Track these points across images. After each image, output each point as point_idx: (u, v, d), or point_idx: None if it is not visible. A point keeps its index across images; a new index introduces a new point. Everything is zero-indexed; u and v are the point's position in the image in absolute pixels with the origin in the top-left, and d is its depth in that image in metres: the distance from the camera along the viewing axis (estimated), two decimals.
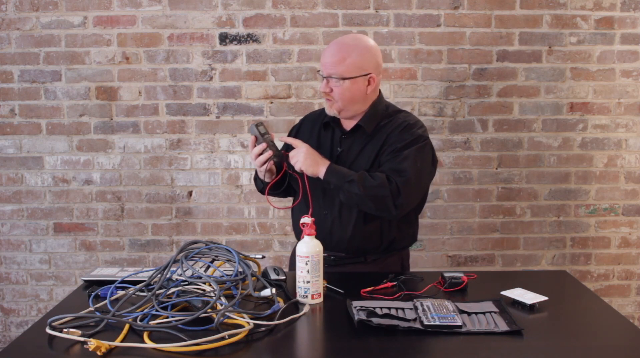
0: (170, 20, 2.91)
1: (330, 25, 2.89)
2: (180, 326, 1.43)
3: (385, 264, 2.05)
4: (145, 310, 1.51)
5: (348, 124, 2.06)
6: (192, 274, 1.63)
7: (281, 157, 1.96)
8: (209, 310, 1.46)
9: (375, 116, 2.03)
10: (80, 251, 3.05)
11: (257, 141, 1.95)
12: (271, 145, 1.94)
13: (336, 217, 2.02)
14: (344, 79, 1.94)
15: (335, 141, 2.07)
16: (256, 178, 2.13)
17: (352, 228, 2.01)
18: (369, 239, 2.02)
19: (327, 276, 1.76)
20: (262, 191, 2.13)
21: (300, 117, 2.29)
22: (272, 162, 1.95)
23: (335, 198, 2.00)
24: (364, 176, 1.90)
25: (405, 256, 2.15)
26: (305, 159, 1.91)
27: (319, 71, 2.02)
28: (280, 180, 2.02)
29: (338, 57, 1.94)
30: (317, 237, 1.69)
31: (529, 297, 1.65)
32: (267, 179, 2.02)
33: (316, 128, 2.12)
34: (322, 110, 2.12)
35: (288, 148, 2.04)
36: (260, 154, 1.94)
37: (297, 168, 1.93)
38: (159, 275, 1.64)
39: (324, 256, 1.98)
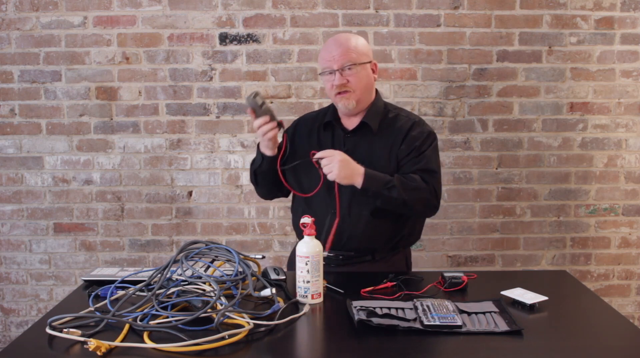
0: (170, 20, 2.91)
1: (330, 25, 2.89)
2: (180, 326, 1.43)
3: (391, 262, 2.06)
4: (145, 310, 1.51)
5: (350, 124, 2.05)
6: (192, 274, 1.63)
7: (281, 125, 1.95)
8: (209, 310, 1.46)
9: (378, 114, 2.04)
10: (80, 251, 3.05)
11: (255, 113, 1.92)
12: (272, 116, 1.91)
13: (346, 215, 2.00)
14: (358, 64, 1.95)
15: (337, 140, 2.06)
16: (254, 172, 2.10)
17: (363, 227, 2.00)
18: (380, 237, 2.02)
19: (328, 276, 1.76)
20: (258, 186, 2.13)
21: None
22: (276, 131, 1.92)
23: (344, 196, 1.98)
24: (402, 180, 1.91)
25: (409, 254, 2.17)
26: (341, 171, 1.85)
27: (321, 73, 2.01)
28: (276, 175, 2.02)
29: (347, 46, 1.96)
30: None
31: (529, 297, 1.65)
32: (269, 151, 1.98)
33: (315, 130, 2.11)
34: (318, 112, 2.14)
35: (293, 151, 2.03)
36: (263, 126, 1.91)
37: (330, 178, 1.87)
38: (159, 275, 1.64)
39: (331, 255, 1.98)
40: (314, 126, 2.12)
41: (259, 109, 1.91)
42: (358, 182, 1.88)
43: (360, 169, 1.89)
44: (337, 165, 1.85)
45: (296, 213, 2.12)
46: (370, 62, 2.00)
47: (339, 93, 1.96)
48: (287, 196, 2.19)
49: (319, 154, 1.89)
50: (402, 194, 1.90)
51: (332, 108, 2.10)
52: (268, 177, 2.06)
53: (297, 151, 2.04)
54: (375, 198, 1.92)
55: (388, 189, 1.89)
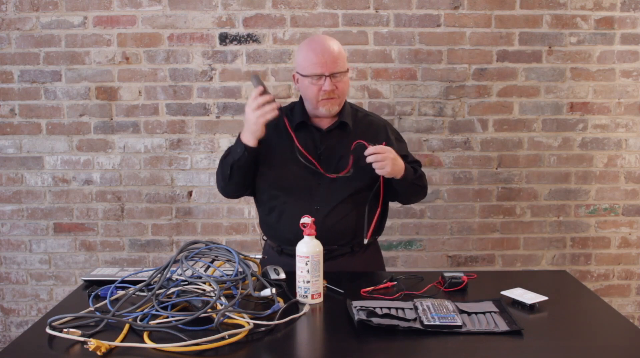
0: (170, 20, 2.91)
1: (330, 25, 2.89)
2: (180, 326, 1.43)
3: (367, 255, 2.11)
4: (145, 310, 1.51)
5: (323, 123, 2.07)
6: (192, 274, 1.63)
7: (281, 110, 1.97)
8: (209, 310, 1.46)
9: (349, 113, 2.10)
10: (80, 251, 3.05)
11: (264, 91, 1.91)
12: (274, 98, 1.92)
13: (329, 210, 2.01)
14: (344, 71, 2.00)
15: (313, 140, 2.06)
16: (231, 166, 2.02)
17: (345, 220, 2.02)
18: (359, 229, 2.04)
19: (327, 276, 1.76)
20: (230, 181, 2.05)
21: None
22: (276, 113, 1.91)
23: (325, 191, 1.99)
24: (418, 168, 2.10)
25: (379, 248, 2.25)
26: (393, 166, 1.92)
27: (306, 75, 1.97)
28: (250, 167, 2.02)
29: (337, 52, 1.98)
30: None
31: (529, 297, 1.65)
32: (254, 140, 1.94)
33: (283, 129, 2.07)
34: (279, 111, 2.11)
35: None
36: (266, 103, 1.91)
37: (381, 173, 1.93)
38: (159, 275, 1.64)
39: None
40: (280, 125, 2.08)
41: (265, 89, 1.90)
42: (399, 175, 1.97)
43: (402, 164, 1.98)
44: (390, 162, 1.91)
45: (268, 212, 2.10)
46: (348, 68, 2.06)
47: (326, 98, 1.98)
48: (252, 194, 2.15)
49: (370, 150, 1.91)
50: (424, 182, 2.12)
51: (298, 108, 2.09)
52: (244, 171, 2.02)
53: (269, 149, 2.04)
54: (406, 187, 2.03)
55: (418, 179, 2.08)
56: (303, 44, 2.05)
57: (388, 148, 1.92)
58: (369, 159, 1.90)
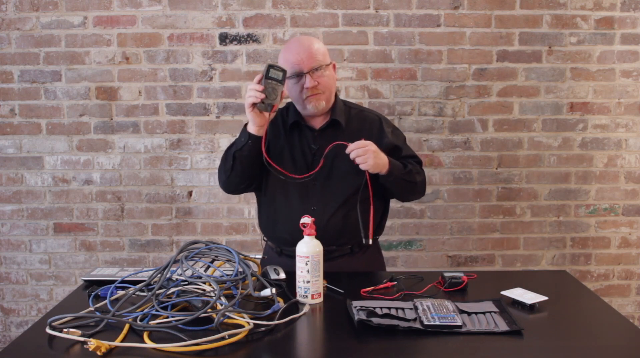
0: (170, 20, 2.91)
1: (330, 25, 2.89)
2: (180, 326, 1.43)
3: (368, 255, 2.10)
4: (145, 310, 1.51)
5: (315, 123, 2.08)
6: (192, 274, 1.63)
7: (267, 108, 1.87)
8: (209, 310, 1.46)
9: (342, 111, 2.10)
10: (80, 251, 3.05)
11: (261, 80, 1.86)
12: (269, 92, 1.85)
13: (326, 211, 2.01)
14: (324, 66, 1.98)
15: (306, 139, 2.07)
16: (234, 155, 2.00)
17: (342, 220, 2.01)
18: (356, 229, 2.02)
19: (327, 276, 1.76)
20: (232, 173, 2.03)
21: None
22: (253, 100, 1.85)
23: (321, 192, 1.99)
24: (411, 164, 2.05)
25: (380, 247, 2.24)
26: (375, 159, 1.90)
27: (288, 77, 1.95)
28: (255, 163, 1.99)
29: (314, 48, 1.99)
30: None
31: (529, 297, 1.65)
32: (254, 127, 1.91)
33: (278, 131, 2.09)
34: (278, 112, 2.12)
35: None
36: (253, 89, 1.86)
37: (364, 168, 1.90)
38: (159, 275, 1.64)
39: None
40: (276, 125, 2.09)
41: (264, 80, 1.84)
42: (385, 169, 1.94)
43: (386, 158, 1.94)
44: (371, 155, 1.89)
45: (266, 213, 2.11)
46: (331, 63, 2.05)
47: (311, 95, 1.98)
48: (254, 190, 2.14)
49: (351, 146, 1.90)
50: (415, 177, 2.04)
51: (292, 108, 2.10)
52: (246, 162, 1.98)
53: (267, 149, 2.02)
54: (392, 182, 1.98)
55: (407, 174, 2.01)
56: (282, 49, 2.05)
57: (368, 142, 1.91)
58: (351, 156, 1.90)
